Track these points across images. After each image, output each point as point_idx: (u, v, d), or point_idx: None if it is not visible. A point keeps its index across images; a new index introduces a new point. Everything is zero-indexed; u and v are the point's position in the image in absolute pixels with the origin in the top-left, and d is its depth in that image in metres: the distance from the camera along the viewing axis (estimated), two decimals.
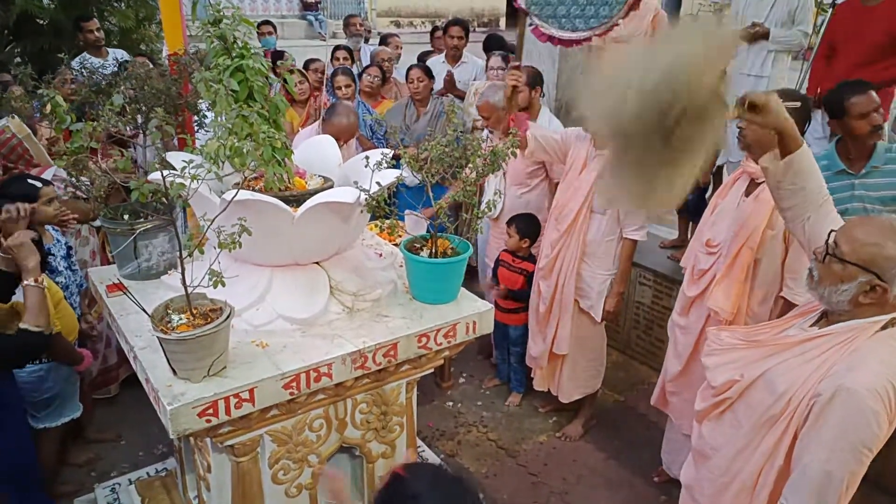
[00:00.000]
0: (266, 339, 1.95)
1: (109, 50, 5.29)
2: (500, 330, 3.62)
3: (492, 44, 5.20)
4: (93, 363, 3.14)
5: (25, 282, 2.18)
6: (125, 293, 1.86)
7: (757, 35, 4.19)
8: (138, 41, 6.54)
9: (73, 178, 2.20)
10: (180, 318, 1.74)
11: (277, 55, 5.12)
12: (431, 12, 18.61)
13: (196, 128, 2.94)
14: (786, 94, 2.44)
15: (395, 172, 2.16)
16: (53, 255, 2.85)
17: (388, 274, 2.33)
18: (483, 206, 2.32)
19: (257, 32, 5.82)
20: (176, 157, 2.11)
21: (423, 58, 5.57)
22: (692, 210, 4.06)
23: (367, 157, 2.16)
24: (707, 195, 4.09)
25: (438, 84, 4.71)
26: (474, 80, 4.86)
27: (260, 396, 1.79)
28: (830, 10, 3.90)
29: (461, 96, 4.69)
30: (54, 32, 5.87)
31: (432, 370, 2.32)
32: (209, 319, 1.74)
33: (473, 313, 2.19)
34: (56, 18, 5.81)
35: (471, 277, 2.42)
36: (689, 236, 4.08)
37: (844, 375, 1.55)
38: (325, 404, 2.05)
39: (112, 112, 1.92)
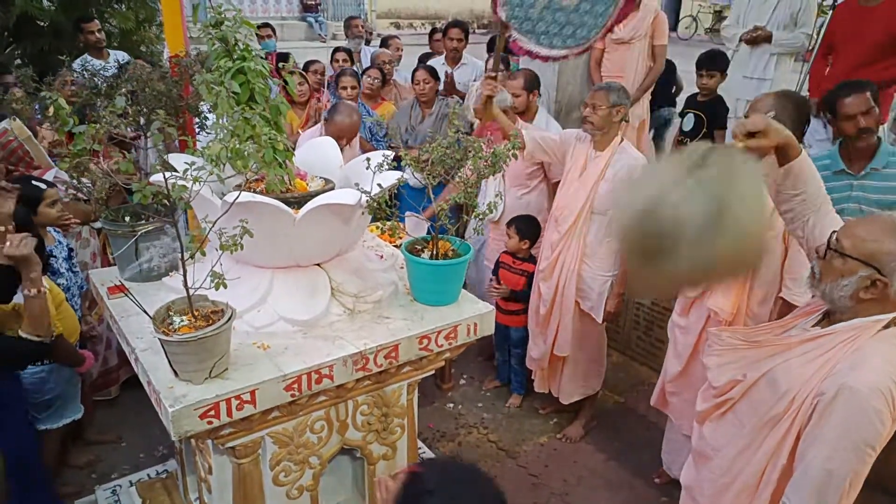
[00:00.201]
0: (267, 341, 1.95)
1: (110, 52, 5.30)
2: (500, 332, 3.62)
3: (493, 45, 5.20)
4: (93, 365, 3.14)
5: (25, 291, 2.18)
6: (126, 295, 1.86)
7: (759, 38, 4.20)
8: (138, 43, 6.55)
9: (75, 180, 2.20)
10: (182, 320, 1.74)
11: (282, 57, 5.12)
12: (431, 14, 18.65)
13: (197, 130, 2.94)
14: (786, 96, 2.46)
15: (396, 174, 2.16)
16: (55, 257, 2.85)
17: (389, 275, 2.33)
18: (484, 207, 2.32)
19: (257, 35, 5.82)
20: (177, 159, 2.12)
21: (423, 60, 5.57)
22: None
23: (368, 159, 2.16)
24: None
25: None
26: (474, 81, 4.86)
27: (261, 398, 1.79)
28: (830, 12, 3.91)
29: (462, 98, 4.69)
30: (54, 34, 5.87)
31: (433, 372, 2.32)
32: (211, 321, 1.74)
33: (474, 315, 2.19)
34: (56, 20, 5.81)
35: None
36: None
37: (847, 374, 1.55)
38: (326, 406, 2.05)
39: (114, 114, 1.93)
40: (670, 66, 4.87)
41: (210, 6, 2.03)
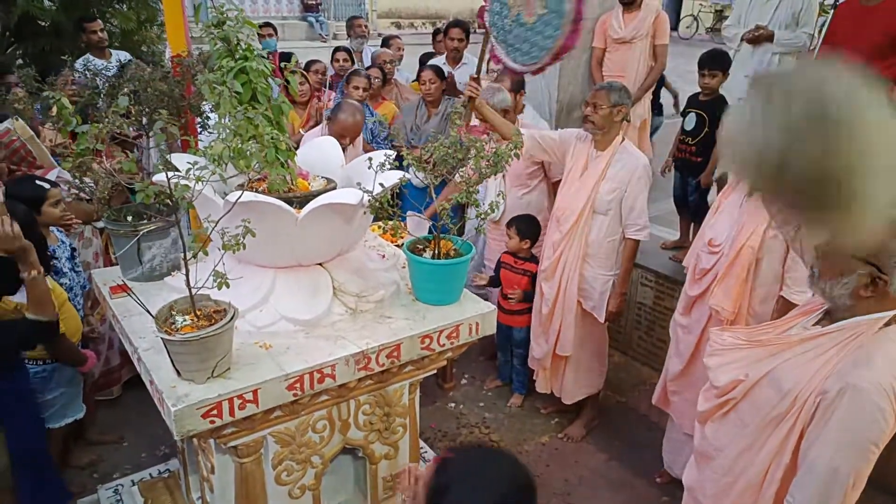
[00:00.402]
0: (269, 341, 1.95)
1: (112, 51, 5.30)
2: (503, 332, 3.62)
3: None
4: (95, 365, 3.15)
5: (24, 274, 2.18)
6: (129, 294, 1.86)
7: (761, 38, 4.20)
8: (139, 43, 6.55)
9: (77, 180, 2.20)
10: (184, 320, 1.75)
11: (285, 57, 5.13)
12: (432, 13, 18.64)
13: (199, 130, 2.94)
14: None
15: (398, 174, 2.16)
16: (58, 258, 2.85)
17: (390, 275, 2.33)
18: (486, 207, 2.32)
19: (258, 35, 5.83)
20: (180, 159, 2.12)
21: (424, 59, 5.57)
22: (693, 211, 4.07)
23: (370, 159, 2.16)
24: (709, 198, 4.09)
25: None
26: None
27: (264, 397, 1.79)
28: (832, 11, 3.90)
29: (460, 96, 4.69)
30: (55, 34, 5.87)
31: (435, 371, 2.33)
32: (213, 321, 1.75)
33: (476, 314, 2.19)
34: (57, 20, 5.82)
35: None
36: (690, 238, 4.08)
37: (850, 372, 1.55)
38: (328, 405, 2.05)
39: (117, 114, 1.93)
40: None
41: (212, 6, 2.03)
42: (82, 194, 2.36)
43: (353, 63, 5.53)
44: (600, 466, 3.30)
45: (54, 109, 2.15)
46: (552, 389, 3.50)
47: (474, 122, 3.44)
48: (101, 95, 3.03)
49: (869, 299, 1.61)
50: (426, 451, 3.05)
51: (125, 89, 2.46)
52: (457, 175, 2.18)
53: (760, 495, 1.76)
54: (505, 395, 3.85)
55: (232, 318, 1.75)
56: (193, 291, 1.74)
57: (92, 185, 2.18)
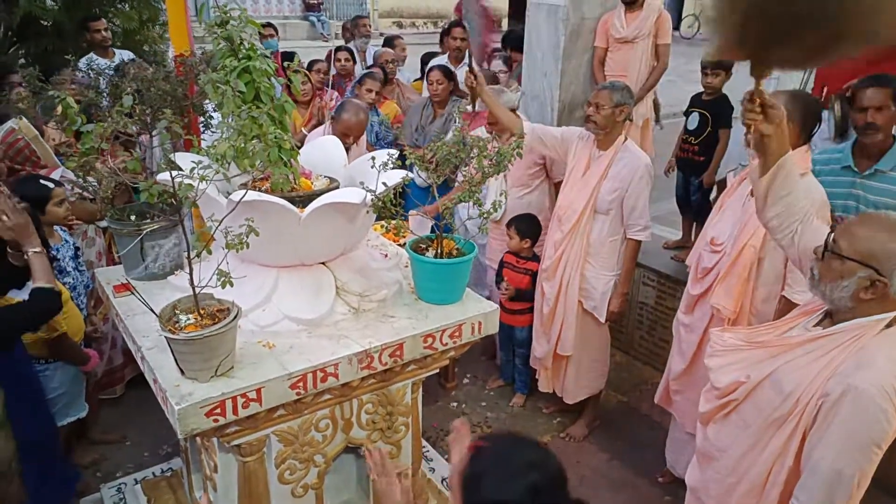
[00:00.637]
0: (272, 340, 1.96)
1: (116, 51, 5.31)
2: (505, 331, 3.62)
3: (511, 40, 5.16)
4: (98, 364, 3.15)
5: (28, 250, 2.18)
6: (133, 293, 1.87)
7: None
8: (141, 42, 6.56)
9: (81, 179, 2.20)
10: (188, 319, 1.75)
11: (287, 56, 5.14)
12: (433, 13, 18.64)
13: (202, 129, 2.95)
14: (796, 96, 2.46)
15: (401, 173, 2.17)
16: (59, 259, 2.85)
17: (393, 274, 2.33)
18: (488, 206, 2.32)
19: (259, 35, 5.84)
20: (183, 159, 2.12)
21: (426, 59, 5.57)
22: (696, 211, 4.07)
23: (373, 158, 2.17)
24: (711, 197, 4.09)
25: None
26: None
27: (267, 396, 1.80)
28: None
29: (465, 97, 4.69)
30: (57, 34, 5.88)
31: (437, 371, 2.33)
32: (216, 320, 1.75)
33: (479, 314, 2.20)
34: (59, 20, 5.82)
35: None
36: (692, 237, 4.08)
37: (852, 374, 1.55)
38: (331, 404, 2.06)
39: (121, 113, 1.93)
40: None
41: (216, 5, 2.04)
42: (86, 193, 2.36)
43: (354, 63, 5.54)
44: (602, 466, 3.30)
45: (59, 109, 2.15)
46: (554, 389, 3.51)
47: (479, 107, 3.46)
48: (104, 95, 3.04)
49: (870, 302, 1.61)
50: (428, 450, 3.05)
51: (129, 89, 2.47)
52: (459, 175, 2.18)
53: (763, 496, 1.76)
54: (507, 394, 3.85)
55: (235, 317, 1.75)
56: (197, 290, 1.75)
57: (95, 184, 2.19)
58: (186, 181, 1.66)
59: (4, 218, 2.11)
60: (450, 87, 4.28)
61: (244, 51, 2.04)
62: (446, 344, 2.15)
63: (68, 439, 3.03)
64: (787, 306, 2.41)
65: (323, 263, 2.20)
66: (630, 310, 4.09)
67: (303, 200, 2.03)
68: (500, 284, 3.58)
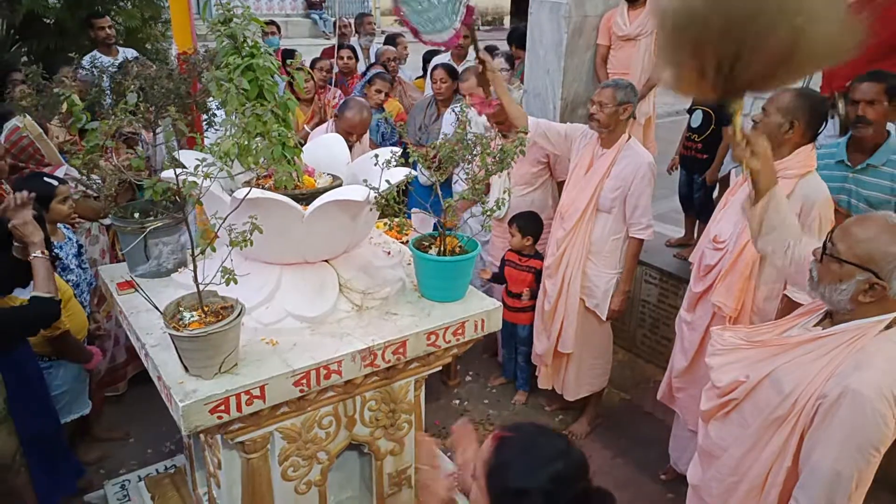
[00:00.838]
0: (276, 337, 1.96)
1: (119, 49, 5.31)
2: (507, 329, 3.62)
3: (516, 38, 5.15)
4: (101, 361, 3.16)
5: (32, 254, 2.19)
6: (137, 290, 1.87)
7: None
8: (143, 40, 6.56)
9: (84, 177, 2.20)
10: (192, 316, 1.75)
11: (287, 54, 5.14)
12: None
13: (205, 126, 2.95)
14: (803, 96, 2.46)
15: (404, 170, 2.17)
16: (61, 258, 2.86)
17: (396, 272, 2.33)
18: (491, 204, 2.33)
19: (262, 32, 5.83)
20: (187, 156, 2.13)
21: (428, 57, 5.57)
22: (699, 209, 4.06)
23: (376, 156, 2.17)
24: (714, 194, 4.08)
25: None
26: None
27: (270, 393, 1.80)
28: None
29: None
30: (60, 32, 5.88)
31: (439, 368, 2.33)
32: (220, 317, 1.75)
33: (482, 311, 2.20)
34: (62, 18, 5.83)
35: None
36: (695, 235, 4.07)
37: (850, 376, 1.55)
38: (334, 401, 2.06)
39: (125, 110, 1.94)
40: None
41: (218, 3, 2.04)
42: (89, 191, 2.36)
43: (357, 61, 5.54)
44: (605, 463, 3.30)
45: (65, 106, 2.15)
46: (554, 386, 3.51)
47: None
48: (108, 93, 3.04)
49: (869, 304, 1.61)
50: None
51: (133, 87, 2.47)
52: (460, 174, 2.19)
53: (763, 496, 1.76)
54: (509, 391, 3.86)
55: (239, 314, 1.76)
56: (201, 288, 1.75)
57: (99, 181, 2.19)
58: (190, 179, 1.66)
59: (18, 221, 2.13)
60: (454, 85, 4.27)
61: (247, 48, 2.05)
62: (449, 341, 2.15)
63: (72, 437, 3.04)
64: (789, 305, 2.41)
65: (326, 261, 2.20)
66: (632, 307, 4.08)
67: (306, 198, 2.03)
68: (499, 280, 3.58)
